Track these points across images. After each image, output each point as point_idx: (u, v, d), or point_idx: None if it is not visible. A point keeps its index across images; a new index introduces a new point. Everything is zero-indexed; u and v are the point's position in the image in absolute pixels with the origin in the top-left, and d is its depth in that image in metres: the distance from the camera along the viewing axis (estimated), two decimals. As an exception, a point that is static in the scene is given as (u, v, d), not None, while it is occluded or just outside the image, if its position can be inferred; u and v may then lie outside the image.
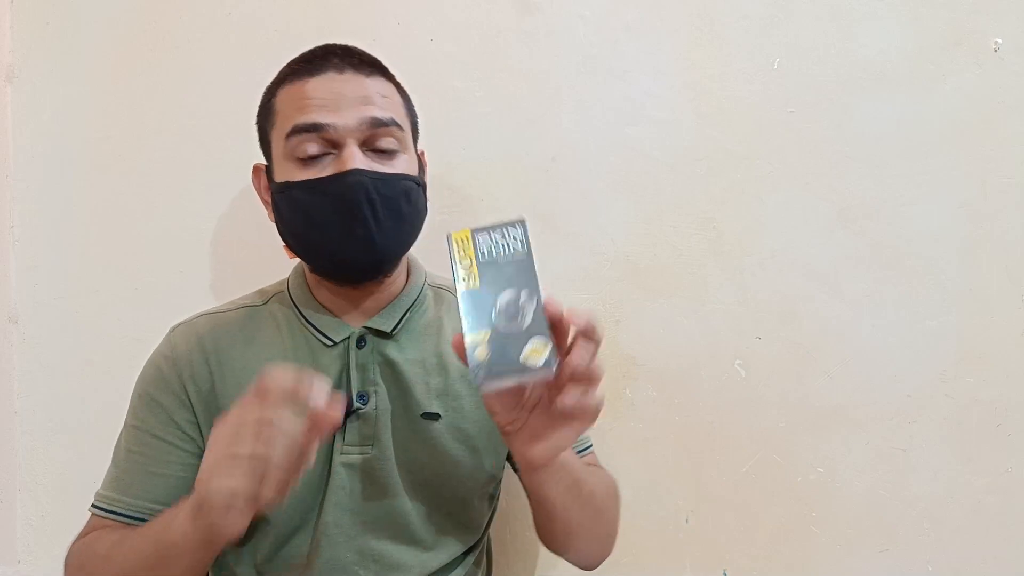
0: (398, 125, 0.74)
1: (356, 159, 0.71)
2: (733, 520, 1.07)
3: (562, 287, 1.06)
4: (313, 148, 0.72)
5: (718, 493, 1.07)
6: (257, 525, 0.77)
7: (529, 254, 0.58)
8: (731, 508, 1.07)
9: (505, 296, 0.56)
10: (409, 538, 0.79)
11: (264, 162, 0.80)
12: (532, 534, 0.82)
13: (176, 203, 1.06)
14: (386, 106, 0.74)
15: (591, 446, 0.90)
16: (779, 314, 1.05)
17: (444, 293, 0.86)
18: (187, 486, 0.76)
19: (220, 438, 0.59)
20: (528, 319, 0.55)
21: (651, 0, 1.05)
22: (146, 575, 0.67)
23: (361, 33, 1.02)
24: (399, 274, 0.82)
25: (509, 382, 0.55)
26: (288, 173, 0.73)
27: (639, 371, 1.06)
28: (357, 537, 0.77)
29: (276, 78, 0.78)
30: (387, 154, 0.74)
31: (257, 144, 0.80)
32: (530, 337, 0.54)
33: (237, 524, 0.58)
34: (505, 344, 0.54)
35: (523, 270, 0.57)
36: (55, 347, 1.06)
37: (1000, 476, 1.05)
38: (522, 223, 0.59)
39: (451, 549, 0.82)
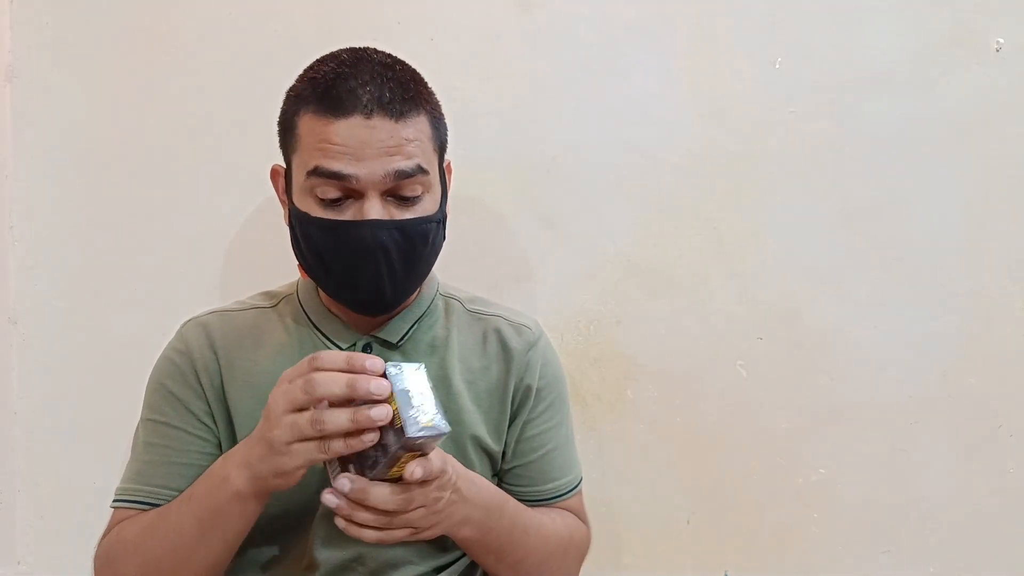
0: (424, 171, 0.72)
1: (375, 210, 0.70)
2: (735, 521, 1.07)
3: (562, 287, 1.06)
4: (333, 193, 0.70)
5: (719, 494, 1.06)
6: (255, 532, 0.76)
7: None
8: (733, 509, 1.06)
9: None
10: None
11: (283, 165, 0.78)
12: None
13: (176, 203, 1.05)
14: (414, 152, 0.71)
15: (570, 491, 0.86)
16: (780, 315, 1.05)
17: (454, 304, 0.86)
18: None
19: (279, 396, 0.62)
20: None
21: None
22: (187, 552, 0.68)
23: (361, 33, 1.02)
24: None
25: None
26: (307, 206, 0.72)
27: (640, 372, 1.06)
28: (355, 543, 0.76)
29: (300, 94, 0.72)
30: (409, 200, 0.72)
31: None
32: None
33: (297, 470, 0.61)
34: None
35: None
36: (55, 348, 1.06)
37: (1002, 477, 1.05)
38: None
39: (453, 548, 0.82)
